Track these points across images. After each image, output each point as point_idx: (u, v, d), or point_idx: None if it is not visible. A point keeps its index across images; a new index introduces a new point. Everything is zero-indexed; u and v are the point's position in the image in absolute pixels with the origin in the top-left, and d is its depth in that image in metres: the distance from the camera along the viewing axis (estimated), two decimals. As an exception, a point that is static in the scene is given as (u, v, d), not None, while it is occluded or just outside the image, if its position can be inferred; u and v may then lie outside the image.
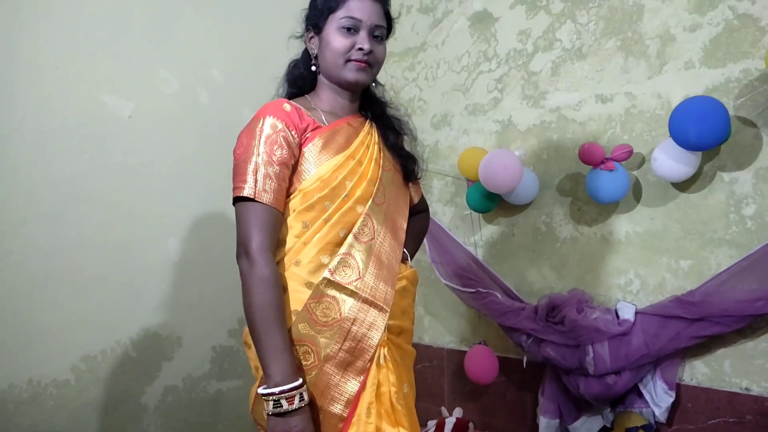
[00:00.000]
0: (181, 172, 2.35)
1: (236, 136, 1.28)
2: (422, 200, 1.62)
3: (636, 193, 2.19)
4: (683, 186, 2.07)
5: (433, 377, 2.80)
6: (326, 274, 1.20)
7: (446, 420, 2.46)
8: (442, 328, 2.80)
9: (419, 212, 1.61)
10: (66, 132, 2.06)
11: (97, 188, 2.12)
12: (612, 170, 2.05)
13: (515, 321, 2.31)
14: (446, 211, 2.80)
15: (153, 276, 2.26)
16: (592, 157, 2.08)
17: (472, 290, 2.48)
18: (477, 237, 2.67)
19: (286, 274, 1.22)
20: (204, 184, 2.38)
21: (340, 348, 1.18)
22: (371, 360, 1.21)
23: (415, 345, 1.50)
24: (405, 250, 1.43)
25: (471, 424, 2.48)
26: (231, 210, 1.25)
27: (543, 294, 2.35)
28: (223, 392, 2.45)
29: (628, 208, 2.21)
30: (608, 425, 2.18)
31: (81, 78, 2.09)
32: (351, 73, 1.29)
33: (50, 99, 2.02)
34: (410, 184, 1.51)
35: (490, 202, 2.44)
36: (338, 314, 1.19)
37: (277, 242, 1.23)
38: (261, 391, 1.11)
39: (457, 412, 2.54)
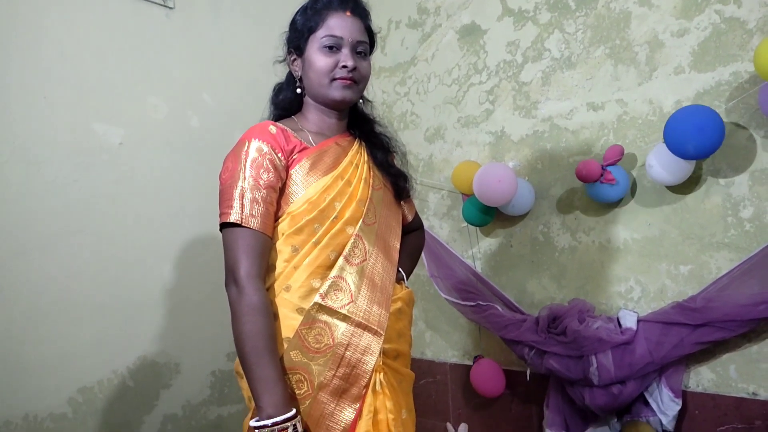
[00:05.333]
0: (173, 198, 2.33)
1: None
2: (416, 218, 1.59)
3: (632, 199, 2.17)
4: (679, 191, 2.06)
5: (437, 393, 2.76)
6: (317, 298, 1.18)
7: (451, 437, 2.42)
8: (443, 342, 2.77)
9: (414, 230, 1.59)
10: (57, 162, 2.04)
11: (89, 218, 2.10)
12: (613, 183, 2.05)
13: (517, 333, 2.29)
14: (443, 225, 2.78)
15: (149, 304, 2.24)
16: (590, 176, 2.06)
17: (473, 303, 2.45)
18: (475, 250, 2.66)
19: (277, 300, 1.20)
20: (197, 208, 2.36)
21: (334, 375, 1.15)
22: (366, 386, 1.18)
23: (416, 360, 1.47)
24: (400, 269, 1.41)
25: (477, 441, 2.44)
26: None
27: (544, 305, 2.33)
28: (224, 417, 2.41)
29: (625, 214, 2.19)
30: (616, 436, 2.15)
31: (70, 107, 2.08)
32: (337, 92, 1.27)
33: (40, 130, 2.01)
34: (403, 203, 1.49)
35: (487, 216, 2.43)
36: (331, 340, 1.16)
37: (266, 268, 1.20)
38: (253, 423, 1.07)
39: (463, 428, 2.50)
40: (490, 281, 2.47)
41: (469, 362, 2.64)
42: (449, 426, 2.56)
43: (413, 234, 1.57)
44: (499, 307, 2.40)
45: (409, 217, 1.53)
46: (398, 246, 1.36)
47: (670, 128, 1.84)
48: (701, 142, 1.78)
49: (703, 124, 1.78)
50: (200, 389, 2.36)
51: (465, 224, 2.60)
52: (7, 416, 1.89)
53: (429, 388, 2.78)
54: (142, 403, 2.19)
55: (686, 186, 2.03)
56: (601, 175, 2.07)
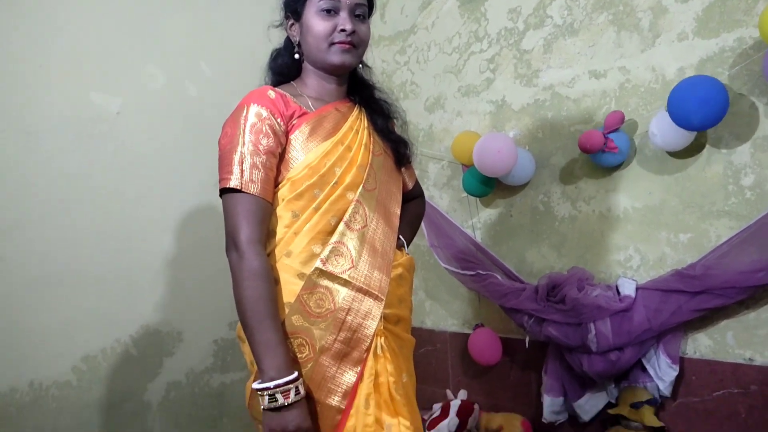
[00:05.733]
0: (173, 168, 2.32)
1: None
2: (417, 185, 1.59)
3: (633, 168, 2.16)
4: (681, 159, 2.05)
5: (437, 361, 2.80)
6: (318, 264, 1.18)
7: (451, 402, 2.46)
8: (443, 311, 2.80)
9: (414, 198, 1.59)
10: (55, 132, 2.03)
11: (88, 188, 2.10)
12: (616, 152, 2.04)
13: (516, 302, 2.30)
14: (443, 195, 2.78)
15: (150, 273, 2.25)
16: (593, 146, 2.06)
17: (472, 273, 2.47)
18: (475, 220, 2.66)
19: (278, 265, 1.20)
20: (196, 177, 2.35)
21: (336, 339, 1.16)
22: (368, 350, 1.19)
23: (417, 329, 1.48)
24: (401, 237, 1.41)
25: (476, 406, 2.48)
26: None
27: (543, 274, 2.34)
28: (227, 385, 2.45)
29: (626, 183, 2.19)
30: (613, 401, 2.18)
31: (66, 76, 2.06)
32: (336, 56, 1.26)
33: (36, 99, 2.00)
34: (403, 170, 1.48)
35: (487, 187, 2.42)
36: (332, 305, 1.17)
37: (266, 233, 1.20)
38: (256, 386, 1.09)
39: (462, 395, 2.54)
40: (489, 251, 2.48)
41: (468, 331, 2.66)
42: (449, 392, 2.59)
43: (414, 202, 1.57)
44: (498, 276, 2.41)
45: (410, 185, 1.52)
46: (398, 212, 1.36)
47: (674, 100, 1.82)
48: (705, 115, 1.77)
49: (707, 97, 1.75)
50: (203, 357, 2.39)
51: (465, 194, 2.59)
52: (13, 383, 1.91)
53: (429, 357, 2.81)
54: (146, 370, 2.22)
55: (688, 154, 2.02)
56: (604, 144, 2.06)
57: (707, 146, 2.00)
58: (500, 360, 2.42)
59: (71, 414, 2.01)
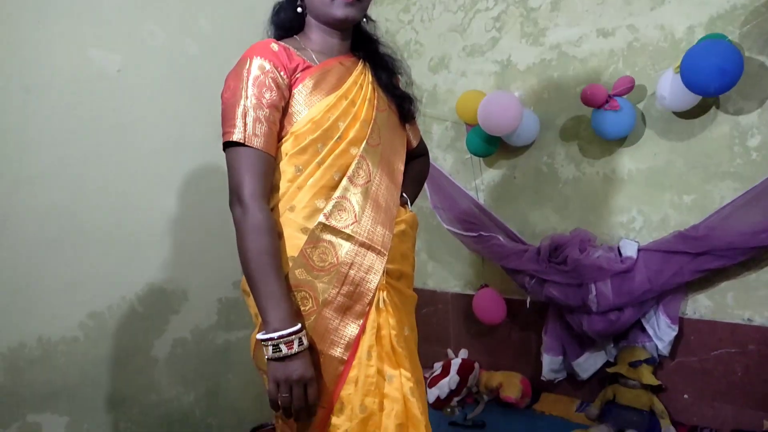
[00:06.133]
0: (174, 126, 2.30)
1: None
2: (421, 143, 1.58)
3: (639, 129, 2.14)
4: (687, 120, 2.03)
5: (438, 321, 2.83)
6: (321, 218, 1.18)
7: (452, 361, 2.50)
8: (445, 273, 2.82)
9: (419, 156, 1.58)
10: (55, 90, 2.01)
11: (90, 147, 2.08)
12: (617, 110, 2.02)
13: (518, 263, 2.32)
14: (446, 157, 2.77)
15: (154, 232, 2.25)
16: (595, 99, 2.03)
17: (475, 234, 2.47)
18: (478, 181, 2.65)
19: (281, 220, 1.20)
20: (198, 136, 2.34)
21: (338, 292, 1.17)
22: (370, 304, 1.20)
23: (419, 290, 1.50)
24: (405, 194, 1.41)
25: (476, 365, 2.52)
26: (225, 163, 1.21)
27: (545, 236, 2.34)
28: (231, 342, 2.49)
29: (631, 145, 2.17)
30: (611, 360, 2.22)
31: (64, 34, 2.03)
32: (339, 10, 1.23)
33: (36, 56, 1.96)
34: (408, 127, 1.47)
35: (491, 146, 2.41)
36: (335, 259, 1.18)
37: (270, 188, 1.20)
38: (260, 336, 1.10)
39: (463, 354, 2.58)
40: (492, 212, 2.48)
41: (470, 292, 2.69)
42: (450, 351, 2.63)
43: (418, 160, 1.56)
44: (501, 238, 2.42)
45: (414, 143, 1.51)
46: (402, 169, 1.36)
47: (689, 66, 1.76)
48: (722, 84, 1.73)
49: (724, 66, 1.70)
50: (207, 315, 2.42)
51: (469, 155, 2.58)
52: (21, 338, 1.94)
53: (431, 317, 2.84)
54: (152, 327, 2.25)
55: (694, 114, 2.00)
56: (606, 101, 2.04)
57: (714, 107, 1.98)
58: (501, 321, 2.45)
59: (80, 369, 2.05)
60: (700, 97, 1.91)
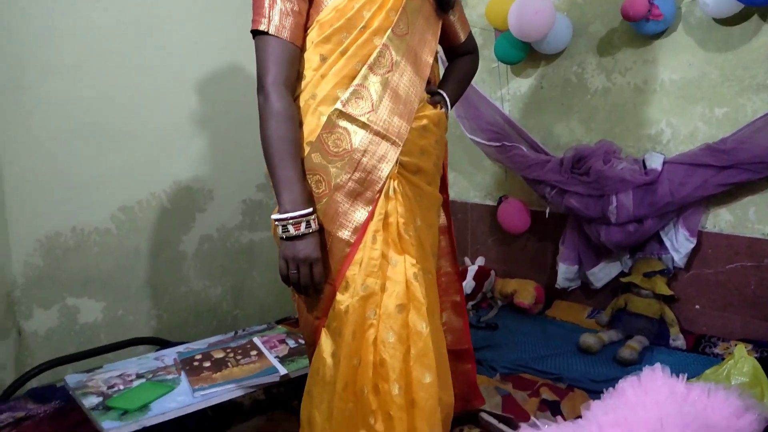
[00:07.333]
0: (198, 24, 2.28)
1: None
2: (470, 39, 1.53)
3: (677, 38, 2.07)
4: (726, 27, 1.95)
5: (457, 230, 2.83)
6: (338, 105, 1.20)
7: (469, 267, 2.57)
8: (466, 183, 2.83)
9: (467, 53, 1.53)
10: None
11: (113, 43, 2.07)
12: (660, 19, 1.95)
13: (540, 173, 2.32)
14: (473, 65, 2.70)
15: (178, 132, 2.28)
16: (636, 13, 1.95)
17: (498, 144, 2.47)
18: (504, 91, 2.61)
19: (303, 107, 1.23)
20: (222, 38, 2.31)
21: (350, 178, 1.21)
22: (380, 191, 1.23)
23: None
24: (444, 92, 1.40)
25: (492, 272, 2.59)
26: (251, 64, 1.23)
27: (569, 147, 2.33)
28: (255, 242, 2.57)
29: (666, 54, 2.11)
30: (626, 271, 2.26)
31: None
32: None
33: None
34: (457, 21, 1.44)
35: (520, 52, 2.35)
36: (349, 145, 1.20)
37: (295, 77, 1.23)
38: (273, 216, 1.17)
39: (480, 261, 2.65)
40: (517, 123, 2.46)
41: (490, 203, 2.72)
42: (466, 259, 2.70)
43: (466, 57, 1.52)
44: (524, 148, 2.41)
45: (462, 36, 1.48)
46: (431, 61, 1.33)
47: None
48: None
49: None
50: (233, 215, 2.49)
51: (496, 64, 2.53)
52: (57, 228, 2.03)
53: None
54: (180, 223, 2.33)
55: (734, 21, 1.92)
56: (648, 11, 1.96)
57: (756, 15, 1.90)
58: (527, 229, 2.48)
59: (113, 258, 2.14)
60: (743, 5, 1.83)
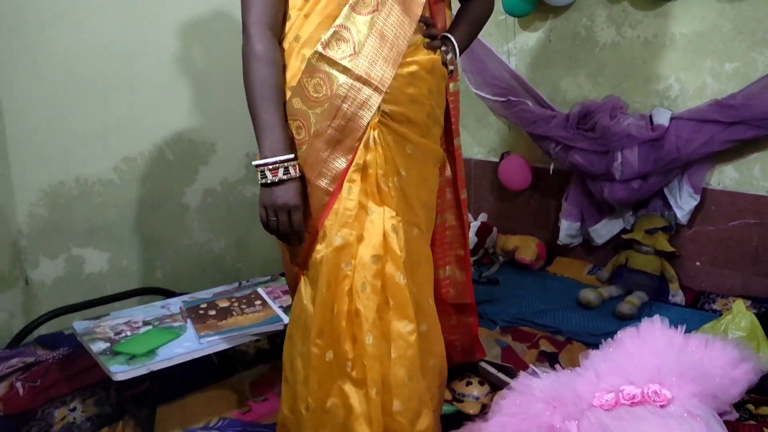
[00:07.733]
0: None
1: None
2: None
3: (688, -11, 2.02)
4: (742, -21, 1.91)
5: (459, 187, 2.87)
6: (318, 47, 1.14)
7: (471, 224, 2.57)
8: (470, 139, 2.81)
9: None
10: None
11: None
12: None
13: (545, 128, 2.30)
14: (480, 17, 2.65)
15: (178, 84, 2.25)
16: None
17: (503, 99, 2.44)
18: (511, 45, 2.56)
19: (287, 49, 1.19)
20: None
21: (329, 125, 1.16)
22: (359, 140, 1.18)
23: (442, 157, 1.44)
24: (452, 37, 1.33)
25: (495, 228, 2.60)
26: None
27: (576, 102, 2.30)
28: (258, 196, 2.56)
29: (679, 7, 2.06)
30: (628, 228, 2.27)
31: None
32: None
33: None
34: None
35: (528, 4, 2.30)
36: (329, 91, 1.15)
37: (280, 17, 1.19)
38: (254, 163, 1.14)
39: (483, 217, 2.65)
40: (523, 77, 2.42)
41: (493, 159, 2.70)
42: (469, 215, 2.70)
43: (479, 1, 1.43)
44: (529, 103, 2.39)
45: None
46: (423, 0, 1.22)
47: None
48: None
49: None
50: (236, 169, 2.48)
51: (503, 16, 2.47)
52: (61, 178, 2.03)
53: (452, 183, 2.88)
54: (183, 176, 2.32)
55: (751, -27, 1.87)
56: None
57: (775, -35, 1.84)
58: (527, 186, 2.48)
59: (117, 209, 2.15)
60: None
